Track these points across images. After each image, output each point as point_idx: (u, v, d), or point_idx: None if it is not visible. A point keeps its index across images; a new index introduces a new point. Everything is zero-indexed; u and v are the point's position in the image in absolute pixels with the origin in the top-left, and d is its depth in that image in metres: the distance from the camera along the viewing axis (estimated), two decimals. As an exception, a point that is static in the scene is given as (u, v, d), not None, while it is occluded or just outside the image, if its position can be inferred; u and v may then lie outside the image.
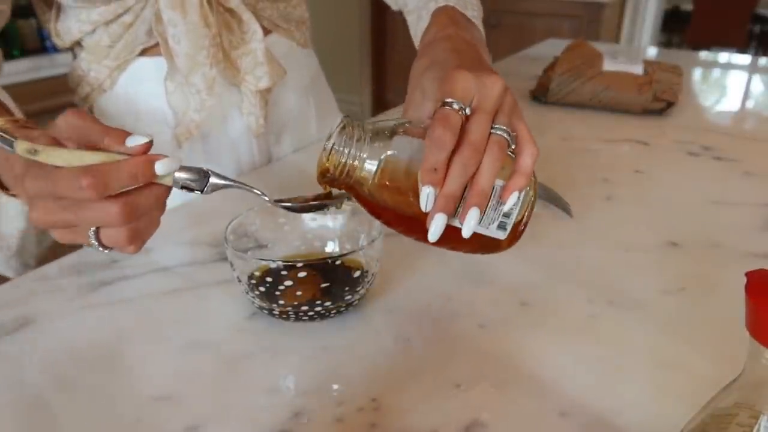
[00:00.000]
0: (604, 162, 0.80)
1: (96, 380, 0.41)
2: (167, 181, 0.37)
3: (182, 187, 0.38)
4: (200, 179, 0.38)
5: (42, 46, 1.81)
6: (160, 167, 0.35)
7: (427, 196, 0.35)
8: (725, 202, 0.68)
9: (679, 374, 0.41)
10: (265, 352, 0.43)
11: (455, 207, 0.37)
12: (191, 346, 0.44)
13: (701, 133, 0.90)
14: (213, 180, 0.38)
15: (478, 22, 0.57)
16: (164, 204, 0.38)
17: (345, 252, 0.49)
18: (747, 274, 0.24)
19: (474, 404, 0.38)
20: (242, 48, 0.68)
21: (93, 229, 0.36)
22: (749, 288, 0.23)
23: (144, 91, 0.69)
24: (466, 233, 0.37)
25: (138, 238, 0.37)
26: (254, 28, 0.68)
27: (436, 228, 0.36)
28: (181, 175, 0.37)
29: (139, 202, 0.36)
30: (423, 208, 0.36)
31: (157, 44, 0.65)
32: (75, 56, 0.71)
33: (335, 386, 0.40)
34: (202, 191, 0.38)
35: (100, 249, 0.37)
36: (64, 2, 0.64)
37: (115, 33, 0.65)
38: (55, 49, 1.80)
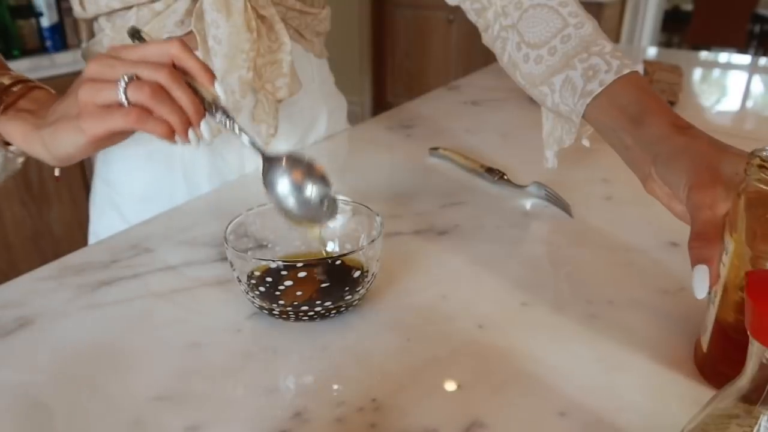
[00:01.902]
0: (604, 162, 0.80)
1: (96, 380, 0.41)
2: (208, 94, 0.47)
3: (210, 105, 0.47)
4: (225, 118, 0.47)
5: (42, 46, 1.80)
6: (218, 83, 0.46)
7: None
8: (725, 202, 0.68)
9: (679, 374, 0.41)
10: (265, 352, 0.43)
11: None
12: (191, 346, 0.44)
13: (701, 133, 0.90)
14: (231, 123, 0.47)
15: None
16: (179, 119, 0.45)
17: (345, 252, 0.49)
18: (747, 274, 0.24)
19: (474, 404, 0.38)
20: (268, 57, 0.68)
21: (125, 79, 0.44)
22: (749, 288, 0.23)
23: None
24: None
25: (148, 116, 0.45)
26: (284, 39, 0.67)
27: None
28: (219, 101, 0.47)
29: (180, 80, 0.45)
30: None
31: (185, 35, 0.64)
32: (93, 34, 0.69)
33: (335, 386, 0.40)
34: (225, 125, 0.47)
35: (123, 98, 0.44)
36: None
37: (143, 18, 0.64)
38: (56, 49, 1.80)
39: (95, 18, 0.68)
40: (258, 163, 0.48)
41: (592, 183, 0.72)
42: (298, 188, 0.47)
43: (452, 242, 0.58)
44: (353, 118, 0.90)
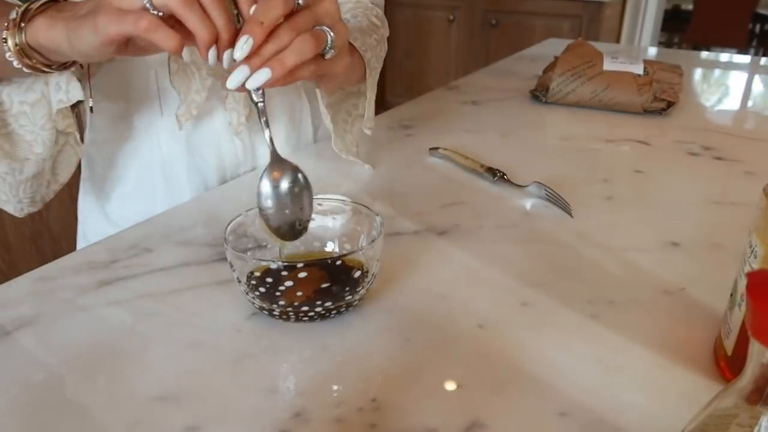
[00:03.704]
0: (604, 162, 0.80)
1: (96, 380, 0.41)
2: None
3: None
4: (262, 103, 0.47)
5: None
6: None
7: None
8: (725, 202, 0.68)
9: (679, 374, 0.41)
10: (265, 352, 0.43)
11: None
12: (191, 346, 0.44)
13: (701, 133, 0.90)
14: (263, 117, 0.48)
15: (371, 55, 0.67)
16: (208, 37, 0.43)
17: (345, 252, 0.49)
18: (747, 275, 0.24)
19: (474, 404, 0.38)
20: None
21: None
22: (749, 288, 0.23)
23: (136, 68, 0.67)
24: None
25: (160, 26, 0.42)
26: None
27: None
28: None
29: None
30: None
31: None
32: None
33: (335, 386, 0.40)
34: (255, 103, 0.47)
35: (147, 4, 0.42)
36: None
37: None
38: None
39: None
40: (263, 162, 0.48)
41: (592, 183, 0.72)
42: (282, 198, 0.48)
43: (452, 242, 0.58)
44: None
